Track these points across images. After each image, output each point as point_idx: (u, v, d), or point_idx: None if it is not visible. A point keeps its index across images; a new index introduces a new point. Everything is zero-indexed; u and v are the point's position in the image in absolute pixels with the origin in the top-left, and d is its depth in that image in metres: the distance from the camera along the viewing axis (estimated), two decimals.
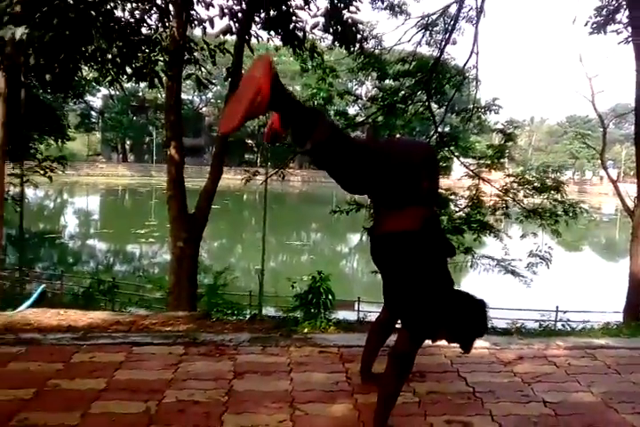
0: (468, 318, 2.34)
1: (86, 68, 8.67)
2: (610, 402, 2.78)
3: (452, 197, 10.77)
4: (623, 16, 11.67)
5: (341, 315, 9.22)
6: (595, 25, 11.80)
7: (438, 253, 2.38)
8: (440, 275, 2.37)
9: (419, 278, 2.29)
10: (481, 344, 3.66)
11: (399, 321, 2.62)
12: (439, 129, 11.38)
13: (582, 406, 2.73)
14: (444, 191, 10.59)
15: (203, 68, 8.99)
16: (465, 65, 10.99)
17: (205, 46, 8.88)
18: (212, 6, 8.34)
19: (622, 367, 3.30)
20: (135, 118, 63.64)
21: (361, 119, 12.48)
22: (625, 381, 3.09)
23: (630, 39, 10.87)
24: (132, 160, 68.23)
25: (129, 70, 7.81)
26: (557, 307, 12.60)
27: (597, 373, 3.20)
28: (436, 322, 2.32)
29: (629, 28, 10.98)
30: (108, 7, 6.86)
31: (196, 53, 8.95)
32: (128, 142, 68.05)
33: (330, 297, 7.09)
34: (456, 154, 11.25)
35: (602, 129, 18.94)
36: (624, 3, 11.35)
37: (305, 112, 2.16)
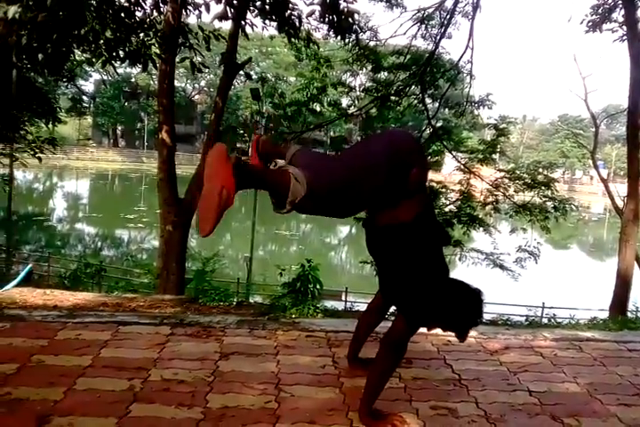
0: (464, 306, 2.32)
1: (79, 51, 8.57)
2: (594, 393, 2.79)
3: (443, 190, 10.79)
4: (619, 15, 11.71)
5: (329, 304, 9.24)
6: (590, 23, 11.83)
7: (433, 241, 2.37)
8: (435, 263, 2.35)
9: (415, 267, 2.28)
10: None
11: (392, 309, 2.62)
12: (432, 123, 11.38)
13: (567, 396, 2.74)
14: (435, 184, 10.61)
15: (197, 53, 8.91)
16: (460, 59, 11.00)
17: (200, 32, 8.80)
18: None
19: (608, 360, 3.32)
20: (127, 104, 63.16)
21: (354, 110, 12.47)
22: (610, 373, 3.10)
23: (625, 37, 10.89)
24: (123, 146, 67.69)
25: (122, 53, 7.73)
26: (544, 303, 12.67)
27: (583, 364, 3.21)
28: (432, 310, 2.31)
29: (625, 27, 11.00)
30: None
31: (190, 38, 8.85)
32: (119, 128, 67.48)
33: (318, 286, 7.09)
34: (448, 147, 11.25)
35: (593, 129, 19.04)
36: (620, 1, 11.37)
37: (276, 182, 2.12)
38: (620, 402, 2.70)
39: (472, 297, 2.36)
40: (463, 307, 2.32)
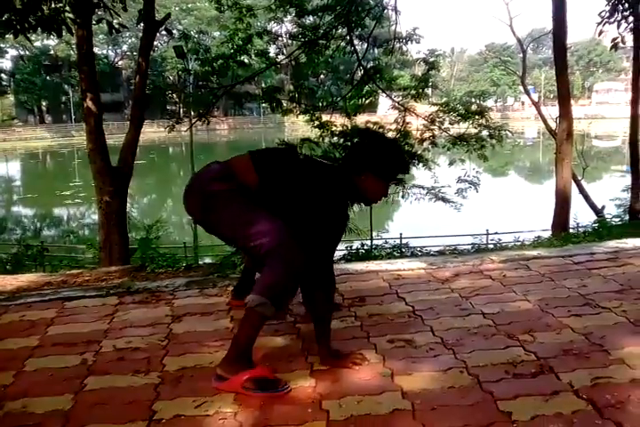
0: (389, 154, 2.46)
1: None
2: (546, 308, 2.87)
3: (380, 130, 10.77)
4: None
5: None
6: None
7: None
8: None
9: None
10: (417, 265, 3.72)
11: None
12: (362, 64, 11.24)
13: (520, 314, 2.80)
14: (371, 126, 10.58)
15: (113, 15, 8.46)
16: None
17: None
18: None
19: (556, 275, 3.41)
20: (49, 78, 60.60)
21: (282, 58, 12.20)
22: (559, 287, 3.19)
23: None
24: (50, 121, 65.11)
25: (34, 22, 7.28)
26: (487, 230, 13.01)
27: (532, 282, 3.30)
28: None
29: None
30: None
31: None
32: (44, 104, 64.73)
33: None
34: (381, 87, 11.18)
35: (521, 55, 19.19)
36: None
37: (254, 329, 2.25)
38: (571, 313, 2.78)
39: (392, 145, 2.63)
40: (389, 155, 2.47)
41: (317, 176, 2.42)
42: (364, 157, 2.45)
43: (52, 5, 7.34)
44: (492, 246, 10.36)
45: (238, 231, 2.35)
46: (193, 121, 11.74)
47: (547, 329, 2.61)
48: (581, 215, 12.42)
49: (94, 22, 8.19)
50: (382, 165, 2.45)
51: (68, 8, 7.50)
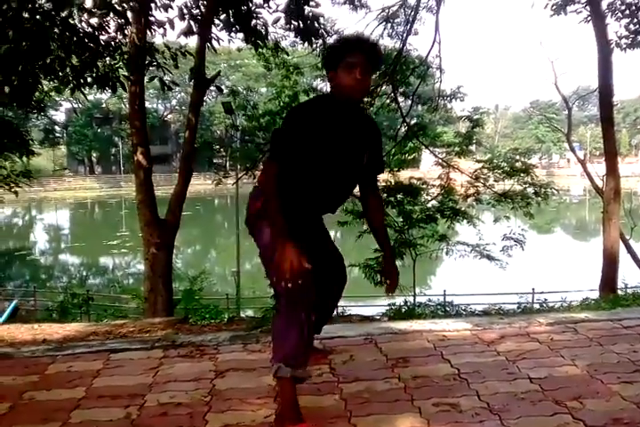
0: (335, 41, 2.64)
1: (46, 81, 8.48)
2: (595, 373, 2.78)
3: (424, 186, 10.82)
4: None
5: None
6: (554, 6, 11.90)
7: None
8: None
9: None
10: (463, 326, 3.66)
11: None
12: (406, 120, 11.42)
13: (568, 380, 2.72)
14: (415, 181, 10.65)
15: (165, 72, 8.86)
16: (428, 55, 11.06)
17: (167, 50, 8.76)
18: (172, 8, 8.23)
19: (605, 339, 3.31)
20: (100, 130, 62.98)
21: None
22: (608, 352, 3.09)
23: (590, 18, 10.99)
24: (100, 172, 67.39)
25: (90, 79, 7.67)
26: (533, 289, 12.72)
27: (580, 346, 3.20)
28: None
29: (588, 7, 11.10)
30: (64, 15, 6.70)
31: (157, 57, 8.82)
32: (94, 155, 67.19)
33: None
34: (425, 144, 11.30)
35: (566, 111, 19.21)
36: None
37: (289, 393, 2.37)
38: (620, 380, 2.69)
39: None
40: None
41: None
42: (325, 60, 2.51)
43: (107, 62, 7.74)
44: (537, 306, 10.09)
45: (265, 265, 2.50)
46: (240, 175, 12.01)
47: (595, 396, 2.52)
48: (630, 276, 12.07)
49: (147, 79, 8.58)
50: (332, 52, 2.45)
51: (122, 65, 7.89)
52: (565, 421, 2.28)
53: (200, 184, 39.95)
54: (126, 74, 7.99)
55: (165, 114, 68.32)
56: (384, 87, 11.05)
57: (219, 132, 58.10)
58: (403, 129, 11.73)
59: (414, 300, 10.72)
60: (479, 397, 2.55)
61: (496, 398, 2.53)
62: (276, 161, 2.44)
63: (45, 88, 9.81)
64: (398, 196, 10.28)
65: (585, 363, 2.92)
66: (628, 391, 2.55)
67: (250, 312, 10.77)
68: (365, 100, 10.83)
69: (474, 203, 10.71)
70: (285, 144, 2.41)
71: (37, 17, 6.26)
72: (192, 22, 8.33)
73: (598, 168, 14.79)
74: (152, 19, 8.22)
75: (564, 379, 2.73)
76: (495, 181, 10.68)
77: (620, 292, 10.13)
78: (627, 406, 2.40)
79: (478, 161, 11.34)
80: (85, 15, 7.18)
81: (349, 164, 2.54)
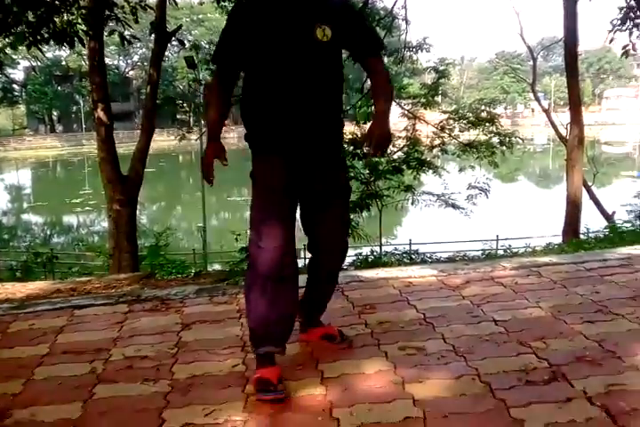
0: None
1: (1, 38, 8.11)
2: (558, 315, 2.83)
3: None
4: None
5: None
6: None
7: None
8: None
9: None
10: (428, 272, 3.69)
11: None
12: None
13: (532, 321, 2.77)
14: None
15: (125, 26, 8.53)
16: (393, 6, 10.86)
17: (126, 3, 8.41)
18: None
19: (568, 282, 3.37)
20: (60, 88, 61.10)
21: None
22: (571, 293, 3.15)
23: None
24: (61, 131, 65.59)
25: (46, 34, 7.35)
26: (497, 236, 12.94)
27: (544, 289, 3.26)
28: None
29: None
30: None
31: (117, 11, 8.47)
32: (55, 113, 65.23)
33: None
34: None
35: (531, 62, 19.15)
36: None
37: None
38: (583, 320, 2.74)
39: None
40: None
41: None
42: None
43: (65, 18, 7.41)
44: (502, 253, 10.29)
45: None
46: (203, 130, 11.80)
47: (559, 336, 2.57)
48: (592, 221, 12.34)
49: (106, 34, 8.29)
50: None
51: (80, 20, 7.58)
52: (530, 360, 2.33)
53: (164, 140, 39.29)
54: (85, 29, 7.69)
55: (127, 70, 66.45)
56: None
57: (182, 87, 56.81)
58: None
59: (380, 249, 10.83)
60: (444, 340, 2.58)
61: (461, 340, 2.57)
62: (215, 63, 2.41)
63: (0, 45, 9.39)
64: (365, 148, 10.24)
65: (549, 305, 2.97)
66: (590, 331, 2.61)
67: (217, 266, 10.77)
68: None
69: (439, 153, 10.76)
70: (221, 43, 2.35)
71: None
72: None
73: (562, 117, 14.91)
74: None
75: (529, 321, 2.78)
76: (460, 131, 10.71)
77: (582, 237, 10.35)
78: (589, 345, 2.46)
79: (444, 112, 11.33)
80: None
81: (297, 42, 2.21)
